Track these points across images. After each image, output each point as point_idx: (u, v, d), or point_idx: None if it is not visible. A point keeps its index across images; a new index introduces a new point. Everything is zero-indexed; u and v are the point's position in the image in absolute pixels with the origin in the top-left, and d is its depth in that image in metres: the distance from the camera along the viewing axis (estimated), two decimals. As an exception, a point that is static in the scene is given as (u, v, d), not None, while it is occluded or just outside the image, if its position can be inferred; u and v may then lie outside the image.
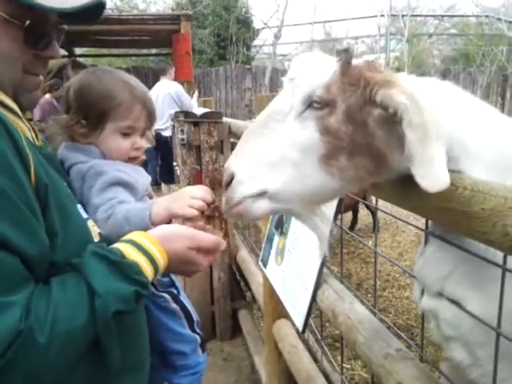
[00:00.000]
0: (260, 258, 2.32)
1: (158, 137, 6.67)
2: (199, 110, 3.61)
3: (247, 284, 3.37)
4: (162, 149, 6.58)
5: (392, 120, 0.84)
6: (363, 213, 6.07)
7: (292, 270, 1.87)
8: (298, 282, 1.79)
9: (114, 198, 1.22)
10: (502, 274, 0.80)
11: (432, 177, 0.78)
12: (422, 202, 0.87)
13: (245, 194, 0.95)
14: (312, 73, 0.95)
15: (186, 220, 1.18)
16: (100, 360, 0.89)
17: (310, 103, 0.93)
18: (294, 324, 1.96)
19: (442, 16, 20.55)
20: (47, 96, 7.29)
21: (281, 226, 2.08)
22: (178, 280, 1.64)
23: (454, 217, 0.80)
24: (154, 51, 14.26)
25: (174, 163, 4.02)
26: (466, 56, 17.95)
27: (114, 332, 0.86)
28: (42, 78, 1.02)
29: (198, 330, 1.62)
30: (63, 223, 0.91)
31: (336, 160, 0.90)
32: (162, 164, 6.78)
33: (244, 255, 3.41)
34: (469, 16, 19.60)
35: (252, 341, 3.18)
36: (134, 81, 1.36)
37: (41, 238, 0.84)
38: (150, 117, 1.37)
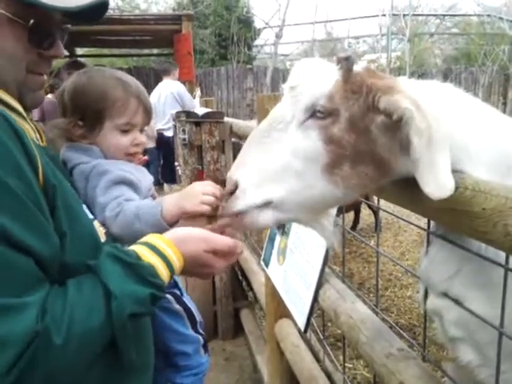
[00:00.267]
0: (262, 257, 2.32)
1: (160, 137, 6.68)
2: (201, 110, 3.61)
3: (249, 284, 3.38)
4: (164, 149, 6.59)
5: (395, 126, 0.84)
6: (365, 212, 6.06)
7: (294, 270, 1.87)
8: (299, 282, 1.80)
9: (120, 196, 1.22)
10: (504, 274, 0.80)
11: (437, 184, 0.78)
12: (422, 202, 0.87)
13: (249, 204, 0.95)
14: (313, 81, 0.94)
15: (194, 218, 1.18)
16: (115, 361, 0.90)
17: (313, 112, 0.93)
18: (295, 323, 1.96)
19: (444, 15, 20.52)
20: (49, 96, 7.29)
21: (282, 225, 2.08)
22: (180, 279, 1.64)
23: (455, 217, 0.80)
24: (155, 51, 14.26)
25: (176, 163, 4.03)
26: (468, 55, 17.90)
27: (131, 333, 0.86)
28: (45, 77, 1.02)
29: (200, 331, 1.62)
30: (71, 224, 0.91)
31: (339, 169, 0.91)
32: (163, 164, 6.79)
33: (246, 255, 3.41)
34: (470, 15, 19.54)
35: (254, 340, 3.18)
36: (126, 77, 1.36)
37: (52, 238, 0.85)
38: (147, 111, 1.36)
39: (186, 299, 1.59)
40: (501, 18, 17.14)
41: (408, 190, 0.92)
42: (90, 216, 1.06)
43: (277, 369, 2.42)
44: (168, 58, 9.68)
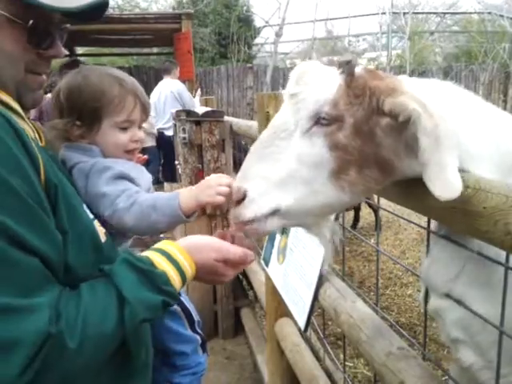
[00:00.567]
0: (262, 256, 2.32)
1: (161, 136, 6.68)
2: (201, 109, 3.61)
3: (249, 283, 3.38)
4: (165, 148, 6.59)
5: (400, 128, 0.84)
6: (365, 211, 6.07)
7: (294, 269, 1.87)
8: (299, 281, 1.79)
9: (127, 189, 1.22)
10: (504, 272, 0.79)
11: (445, 184, 0.77)
12: (422, 201, 0.87)
13: (258, 213, 0.96)
14: (315, 88, 0.93)
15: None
16: (123, 363, 0.91)
17: (317, 120, 0.92)
18: (296, 322, 1.96)
19: (444, 13, 20.47)
20: (48, 96, 7.28)
21: (283, 224, 2.07)
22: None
23: (455, 215, 0.80)
24: (155, 50, 14.25)
25: (176, 162, 4.03)
26: (468, 53, 17.88)
27: (141, 337, 0.87)
28: (45, 77, 1.02)
29: (198, 330, 1.62)
30: (72, 223, 0.92)
31: (346, 174, 0.91)
32: (164, 163, 6.79)
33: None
34: (471, 13, 19.51)
35: (254, 339, 3.18)
36: (122, 74, 1.34)
37: (55, 238, 0.85)
38: (144, 107, 1.36)
39: (184, 299, 1.59)
40: (501, 16, 17.10)
41: (408, 189, 0.92)
42: (91, 216, 1.06)
43: (277, 368, 2.42)
44: (168, 57, 9.66)
